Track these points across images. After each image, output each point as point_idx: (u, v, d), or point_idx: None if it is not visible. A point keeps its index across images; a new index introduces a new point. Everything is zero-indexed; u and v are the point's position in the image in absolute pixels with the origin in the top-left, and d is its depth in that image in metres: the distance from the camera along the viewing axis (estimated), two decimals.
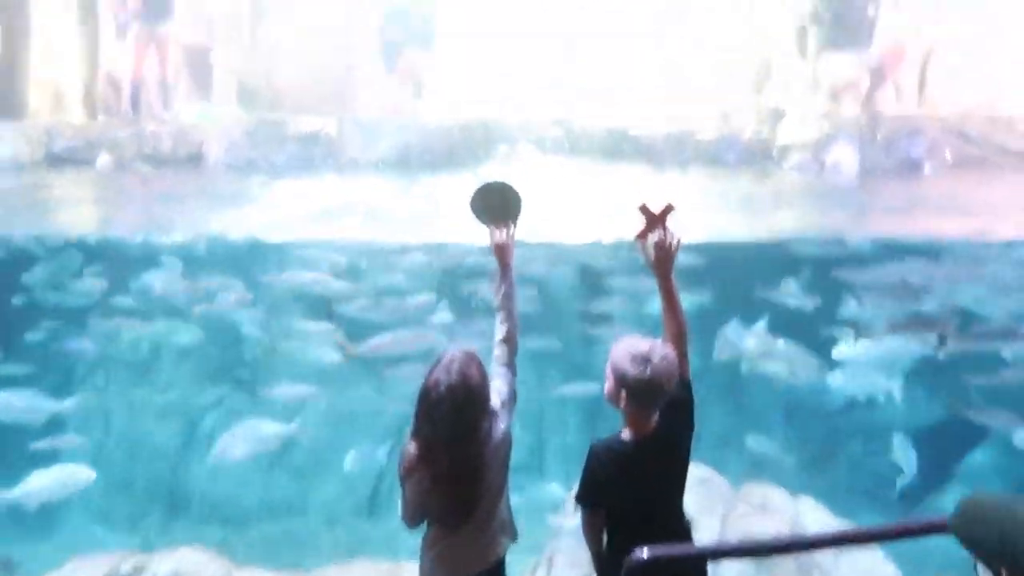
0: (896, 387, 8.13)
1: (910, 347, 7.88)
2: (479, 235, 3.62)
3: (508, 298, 3.33)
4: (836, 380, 8.04)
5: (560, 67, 12.57)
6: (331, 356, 8.29)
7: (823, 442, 8.81)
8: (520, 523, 3.14)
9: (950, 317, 8.14)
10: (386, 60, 13.41)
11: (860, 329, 8.03)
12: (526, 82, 12.27)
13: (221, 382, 9.41)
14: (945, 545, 2.07)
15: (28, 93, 13.65)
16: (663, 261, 3.16)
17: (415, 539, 3.08)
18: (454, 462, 2.85)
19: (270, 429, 7.64)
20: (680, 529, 3.02)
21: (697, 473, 5.95)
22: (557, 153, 11.55)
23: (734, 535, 5.92)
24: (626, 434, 2.97)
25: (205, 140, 12.64)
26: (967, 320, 8.27)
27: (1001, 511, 1.92)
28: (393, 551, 6.54)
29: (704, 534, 5.65)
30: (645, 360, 2.84)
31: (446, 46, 13.31)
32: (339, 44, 13.74)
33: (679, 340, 3.10)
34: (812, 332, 8.05)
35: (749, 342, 8.12)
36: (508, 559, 3.12)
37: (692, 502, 3.11)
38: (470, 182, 3.70)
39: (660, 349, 2.89)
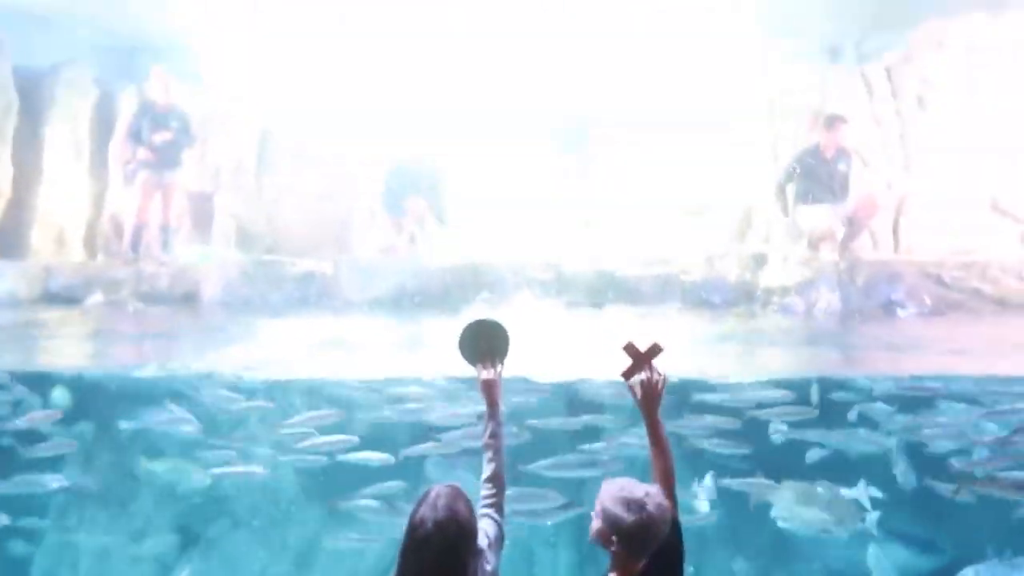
0: None
1: None
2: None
3: (495, 436, 3.35)
4: None
5: (551, 212, 13.12)
6: None
7: None
8: None
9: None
10: (389, 209, 13.90)
11: None
12: (520, 227, 12.73)
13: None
14: None
15: (32, 234, 13.97)
16: (650, 400, 3.22)
17: None
18: None
19: None
20: None
21: None
22: (546, 296, 11.84)
23: None
24: None
25: (202, 279, 12.85)
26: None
27: None
28: None
29: None
30: (640, 507, 2.82)
31: (452, 196, 13.92)
32: (342, 190, 14.32)
33: (666, 478, 3.12)
34: None
35: None
36: None
37: None
38: (461, 321, 3.81)
39: (655, 496, 2.87)
